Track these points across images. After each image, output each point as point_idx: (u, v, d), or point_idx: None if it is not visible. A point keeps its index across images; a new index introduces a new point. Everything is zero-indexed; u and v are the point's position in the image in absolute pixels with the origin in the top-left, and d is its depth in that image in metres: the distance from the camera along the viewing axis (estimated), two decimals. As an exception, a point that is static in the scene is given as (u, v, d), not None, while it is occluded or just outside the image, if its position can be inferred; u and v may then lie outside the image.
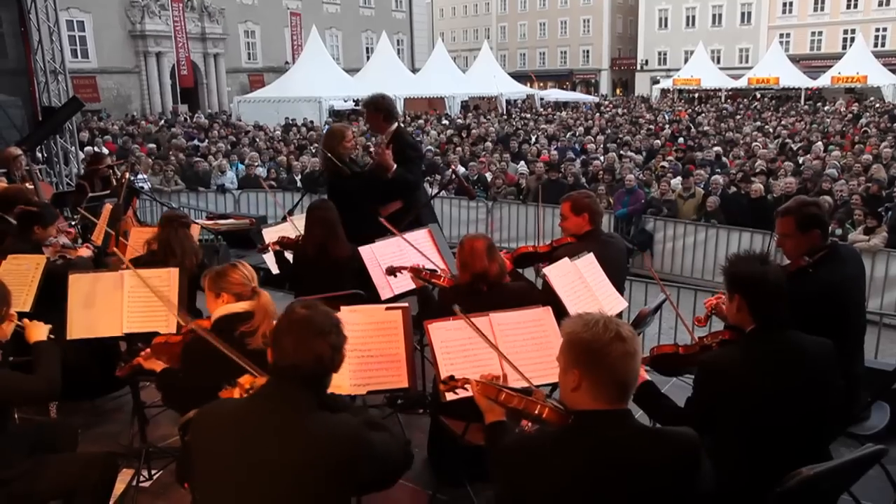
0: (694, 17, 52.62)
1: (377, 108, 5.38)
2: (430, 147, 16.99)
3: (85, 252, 5.03)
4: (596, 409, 1.94)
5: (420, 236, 4.63)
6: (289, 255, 4.81)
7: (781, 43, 44.15)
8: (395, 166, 5.16)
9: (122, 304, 3.70)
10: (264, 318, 2.94)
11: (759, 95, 39.62)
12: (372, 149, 5.51)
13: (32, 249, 4.50)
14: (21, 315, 3.31)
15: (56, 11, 10.08)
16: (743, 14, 50.53)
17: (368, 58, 38.25)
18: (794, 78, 38.90)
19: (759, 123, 23.55)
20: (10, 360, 3.21)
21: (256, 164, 14.01)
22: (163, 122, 25.36)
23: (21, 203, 5.17)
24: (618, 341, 1.91)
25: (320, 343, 2.06)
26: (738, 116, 27.52)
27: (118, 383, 4.61)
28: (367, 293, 4.39)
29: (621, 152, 15.16)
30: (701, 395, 2.58)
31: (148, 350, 3.17)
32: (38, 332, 3.05)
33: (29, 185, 6.81)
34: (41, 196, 6.74)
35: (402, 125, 5.52)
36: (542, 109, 34.20)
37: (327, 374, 2.13)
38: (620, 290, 4.13)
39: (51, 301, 3.97)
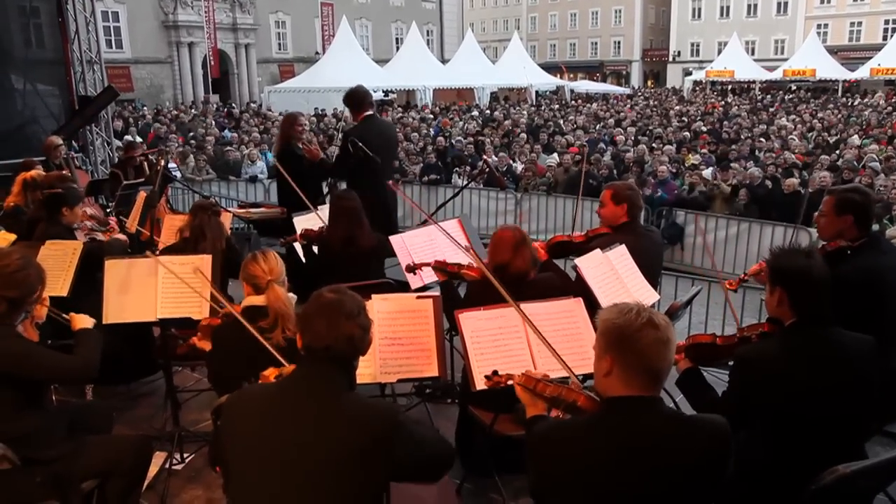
0: (728, 8, 51.75)
1: (347, 100, 6.02)
2: (458, 138, 16.97)
3: (120, 236, 5.09)
4: (627, 394, 1.95)
5: (450, 226, 4.62)
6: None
7: (819, 34, 43.25)
8: (319, 157, 6.11)
9: (157, 289, 3.74)
10: (278, 314, 2.94)
11: (794, 88, 38.88)
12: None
13: (65, 233, 4.57)
14: (58, 299, 3.38)
15: (92, 2, 10.21)
16: (779, 4, 49.54)
17: (398, 48, 38.24)
18: (831, 70, 38.07)
19: (793, 116, 23.13)
20: (48, 342, 3.27)
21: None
22: (193, 111, 25.61)
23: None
24: (650, 328, 1.92)
25: (351, 325, 2.10)
26: (772, 109, 27.05)
27: (152, 368, 4.70)
28: (395, 282, 4.41)
29: (653, 145, 15.00)
30: (736, 387, 2.57)
31: (200, 334, 3.23)
32: (84, 322, 3.11)
33: (66, 173, 6.92)
34: (78, 184, 6.84)
35: (373, 116, 6.05)
36: (572, 101, 33.95)
37: (356, 356, 2.17)
38: (655, 283, 4.10)
39: (86, 283, 4.06)
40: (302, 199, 5.15)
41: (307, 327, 2.13)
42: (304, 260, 4.84)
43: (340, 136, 6.35)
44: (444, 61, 38.21)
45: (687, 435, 1.94)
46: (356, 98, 5.91)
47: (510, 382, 2.45)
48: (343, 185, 6.19)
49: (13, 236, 4.77)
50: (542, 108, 28.72)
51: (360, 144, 5.54)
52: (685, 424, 1.99)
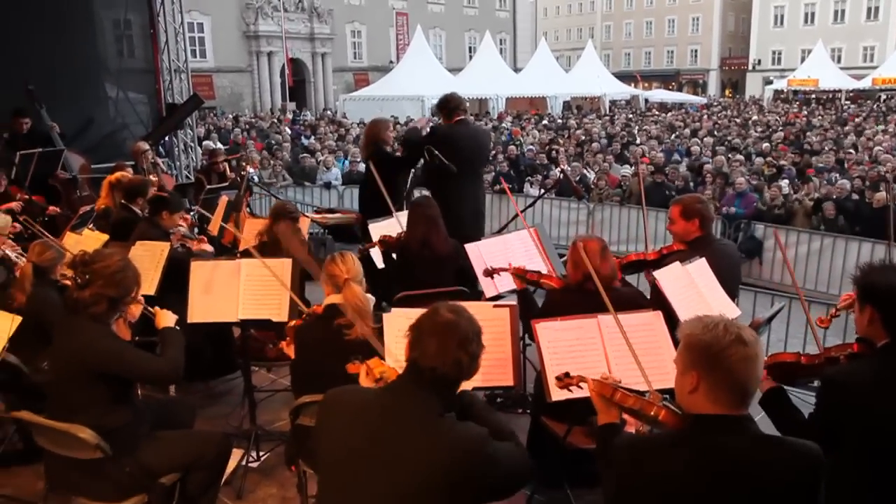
0: (813, 14, 50.01)
1: (439, 107, 6.09)
2: (531, 147, 16.90)
3: (207, 247, 5.29)
4: (715, 412, 1.90)
5: (525, 235, 4.61)
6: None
7: (913, 40, 41.30)
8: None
9: (239, 291, 3.85)
10: (355, 314, 3.03)
11: (884, 97, 37.16)
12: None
13: (161, 236, 4.80)
14: (146, 299, 3.52)
15: (182, 14, 10.66)
16: (869, 9, 47.53)
17: (471, 57, 38.43)
18: (925, 78, 36.30)
19: (882, 127, 22.08)
20: (136, 339, 3.41)
21: (360, 160, 14.34)
22: (274, 119, 26.34)
23: (145, 193, 5.52)
24: (738, 344, 1.87)
25: (461, 351, 2.08)
26: (859, 119, 25.91)
27: (230, 367, 4.84)
28: (470, 291, 4.44)
29: (729, 156, 14.60)
30: (824, 410, 2.44)
31: (289, 338, 3.31)
32: (167, 319, 3.22)
33: (153, 178, 7.24)
34: (164, 188, 7.14)
35: (465, 121, 6.11)
36: (646, 110, 33.38)
37: (461, 380, 2.15)
38: (733, 299, 3.96)
39: (171, 285, 4.22)
40: (384, 204, 5.24)
41: (417, 342, 2.11)
42: (380, 265, 4.91)
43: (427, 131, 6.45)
44: (516, 70, 38.19)
45: (778, 459, 1.87)
46: (450, 105, 5.93)
47: (582, 385, 2.41)
48: (425, 192, 6.24)
49: (106, 236, 5.02)
50: (616, 117, 28.33)
51: (436, 152, 5.60)
52: (776, 448, 1.91)
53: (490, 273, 4.09)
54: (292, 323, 3.39)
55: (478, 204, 6.07)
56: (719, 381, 1.88)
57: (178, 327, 3.25)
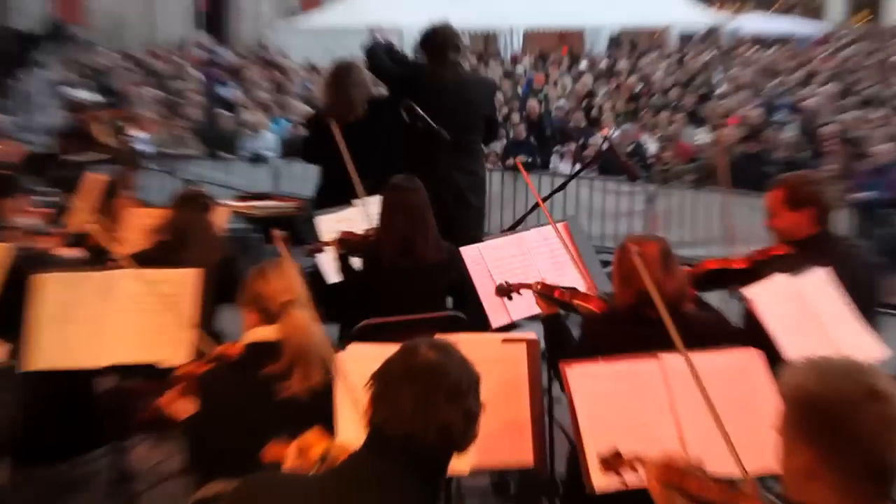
0: None
1: (422, 46, 6.45)
2: (560, 102, 16.96)
3: (67, 251, 5.22)
4: None
5: (550, 233, 4.62)
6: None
7: None
8: None
9: (111, 319, 3.83)
10: (297, 351, 3.01)
11: None
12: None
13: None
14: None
15: None
16: None
17: (473, -32, 38.64)
18: None
19: None
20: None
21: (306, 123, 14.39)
22: (176, 58, 26.35)
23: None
24: (872, 400, 1.83)
25: (453, 409, 2.05)
26: None
27: (94, 441, 4.73)
28: (468, 317, 4.42)
29: (862, 112, 14.67)
30: None
31: (175, 390, 3.24)
32: None
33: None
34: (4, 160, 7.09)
35: (455, 66, 6.32)
36: (734, 47, 33.64)
37: (450, 454, 2.11)
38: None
39: (12, 307, 4.13)
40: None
41: (384, 397, 2.07)
42: (333, 278, 4.91)
43: None
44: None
45: None
46: (436, 41, 6.16)
47: (640, 470, 2.39)
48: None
49: None
50: (688, 57, 28.53)
51: (419, 110, 5.56)
52: None
53: (506, 291, 4.12)
54: (191, 367, 3.33)
55: (462, 187, 6.07)
56: (846, 457, 1.84)
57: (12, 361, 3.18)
